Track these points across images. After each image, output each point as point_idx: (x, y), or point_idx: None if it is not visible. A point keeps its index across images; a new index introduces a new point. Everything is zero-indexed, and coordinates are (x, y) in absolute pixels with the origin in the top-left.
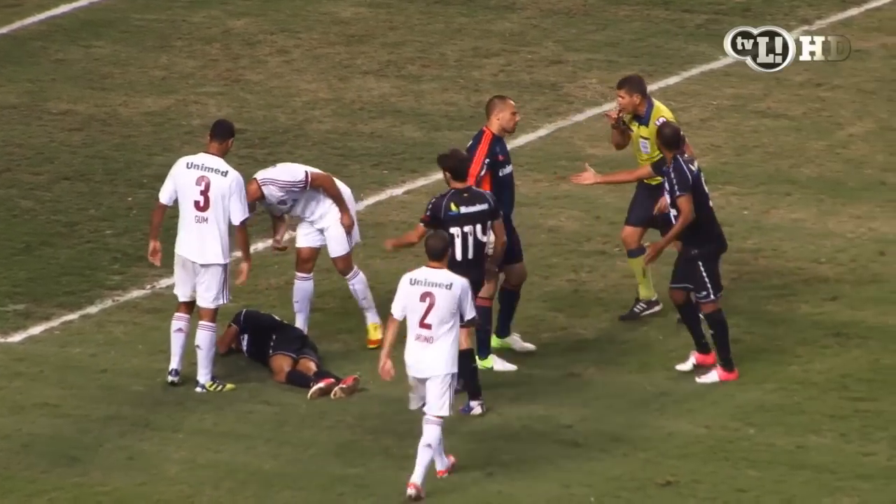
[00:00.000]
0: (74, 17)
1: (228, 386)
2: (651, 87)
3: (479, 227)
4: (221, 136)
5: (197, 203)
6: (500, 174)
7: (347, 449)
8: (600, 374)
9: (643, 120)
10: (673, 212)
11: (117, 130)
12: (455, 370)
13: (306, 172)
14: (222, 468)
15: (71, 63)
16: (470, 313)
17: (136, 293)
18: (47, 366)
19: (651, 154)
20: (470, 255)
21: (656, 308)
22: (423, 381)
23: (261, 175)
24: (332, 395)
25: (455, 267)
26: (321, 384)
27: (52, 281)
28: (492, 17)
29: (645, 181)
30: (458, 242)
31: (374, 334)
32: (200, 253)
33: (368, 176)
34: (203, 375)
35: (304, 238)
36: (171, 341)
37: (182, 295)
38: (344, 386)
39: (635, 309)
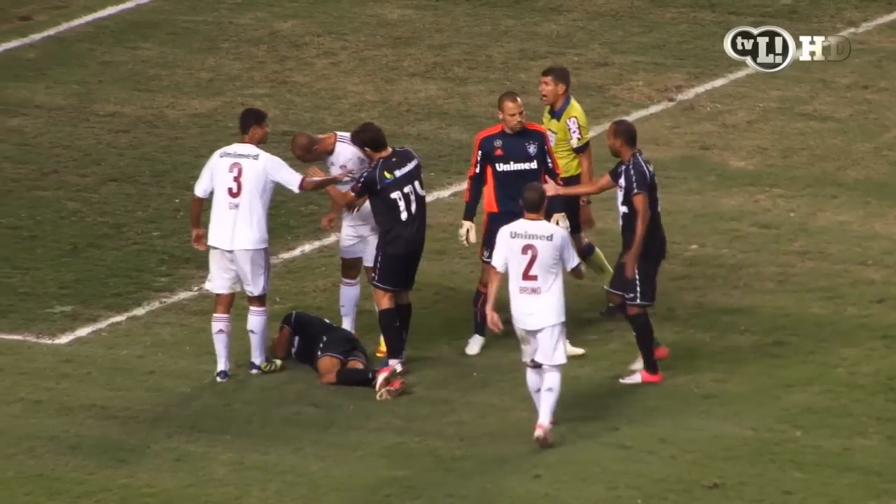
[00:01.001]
0: (121, 18)
1: (277, 363)
2: (698, 90)
3: (416, 183)
4: (245, 126)
5: (230, 190)
6: (498, 169)
7: (394, 451)
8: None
9: (556, 113)
10: (624, 209)
11: (164, 132)
12: (564, 318)
13: None
14: (269, 470)
15: (118, 65)
16: (573, 261)
17: (182, 295)
18: (94, 367)
19: (556, 148)
20: (413, 211)
21: None
22: (532, 333)
23: (341, 133)
24: (378, 396)
25: (404, 226)
26: (391, 388)
27: (100, 283)
28: (538, 20)
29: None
30: (401, 205)
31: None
32: (231, 239)
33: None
34: (257, 357)
35: (349, 249)
36: (215, 343)
37: (219, 287)
38: (391, 388)
39: (612, 304)
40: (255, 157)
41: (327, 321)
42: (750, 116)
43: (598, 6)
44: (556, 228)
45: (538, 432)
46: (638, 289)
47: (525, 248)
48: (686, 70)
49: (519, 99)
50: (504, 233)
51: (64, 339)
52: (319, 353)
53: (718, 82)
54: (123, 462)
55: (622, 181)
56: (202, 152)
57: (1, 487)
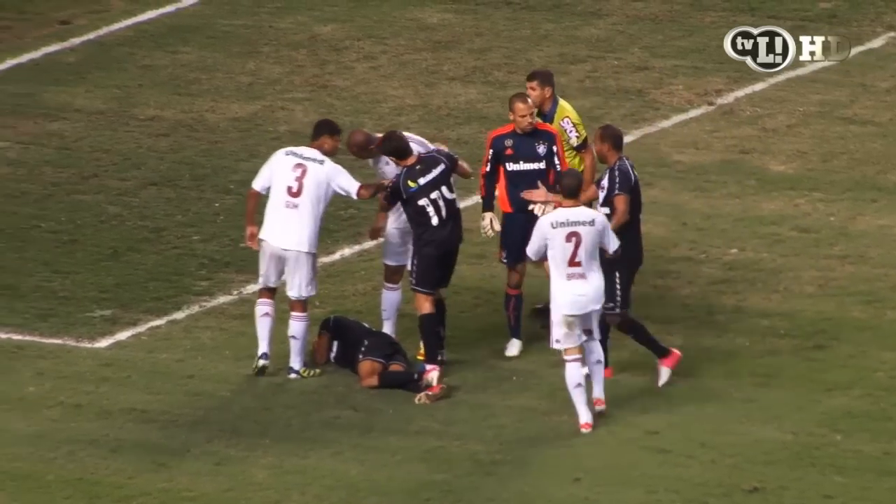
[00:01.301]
0: (161, 22)
1: (317, 371)
2: (737, 94)
3: (443, 188)
4: (317, 133)
5: (290, 189)
6: (508, 168)
7: (434, 455)
8: (686, 380)
9: (546, 117)
10: (605, 209)
11: (204, 136)
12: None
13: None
14: (309, 474)
15: (157, 69)
16: (614, 244)
17: (222, 299)
18: (134, 371)
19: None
20: (444, 216)
21: None
22: (582, 316)
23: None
24: (417, 400)
25: (436, 230)
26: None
27: (140, 287)
28: (578, 24)
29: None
30: (430, 211)
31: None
32: (284, 237)
33: (455, 182)
34: (297, 362)
35: (393, 256)
36: (258, 326)
37: (264, 282)
38: (430, 393)
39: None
40: (321, 162)
41: (366, 325)
42: (790, 120)
43: (637, 10)
44: (596, 213)
45: (600, 407)
46: (618, 296)
47: (569, 236)
48: (726, 74)
49: (530, 100)
50: (544, 224)
51: (104, 343)
52: (361, 356)
53: (758, 86)
54: (163, 466)
55: (604, 182)
56: (242, 156)
57: (41, 491)
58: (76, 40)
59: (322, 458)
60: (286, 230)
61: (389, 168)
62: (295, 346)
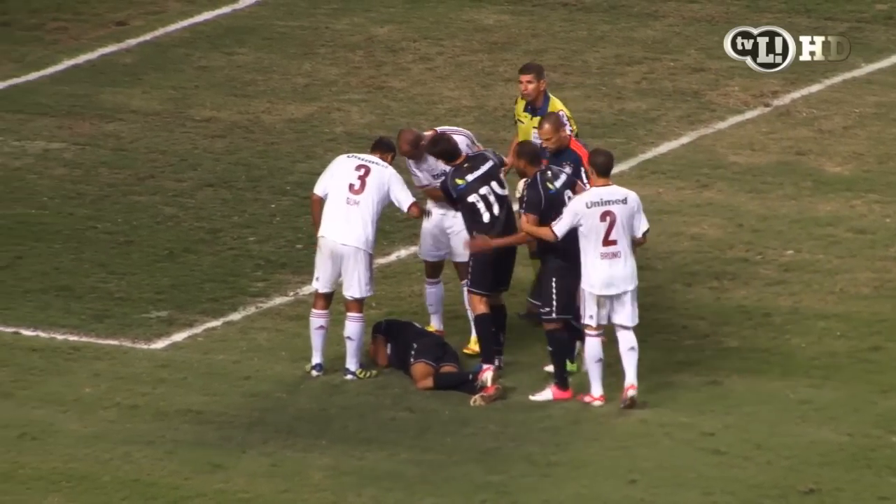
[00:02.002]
0: (217, 24)
1: (374, 372)
2: (794, 95)
3: (493, 183)
4: (375, 148)
5: (352, 186)
6: None
7: (490, 456)
8: (742, 381)
9: (540, 111)
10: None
11: (260, 137)
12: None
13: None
14: (365, 475)
15: (214, 70)
16: (643, 227)
17: (278, 300)
18: (191, 372)
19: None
20: (496, 212)
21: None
22: (613, 297)
23: (441, 128)
24: (472, 402)
25: (487, 228)
26: (486, 393)
27: (196, 288)
28: (634, 25)
29: None
30: (480, 207)
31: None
32: (344, 234)
33: (510, 183)
34: (352, 364)
35: (429, 253)
36: (313, 337)
37: (322, 286)
38: (485, 394)
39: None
40: (385, 166)
41: (418, 326)
42: (846, 122)
43: (693, 11)
44: (629, 192)
45: (631, 392)
46: (554, 303)
47: (604, 215)
48: (782, 75)
49: (547, 125)
50: (579, 204)
51: (160, 345)
52: (412, 360)
53: (814, 88)
54: (219, 467)
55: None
56: (298, 157)
57: (97, 492)
58: (132, 41)
59: (378, 460)
60: (347, 227)
61: (423, 175)
62: (351, 347)
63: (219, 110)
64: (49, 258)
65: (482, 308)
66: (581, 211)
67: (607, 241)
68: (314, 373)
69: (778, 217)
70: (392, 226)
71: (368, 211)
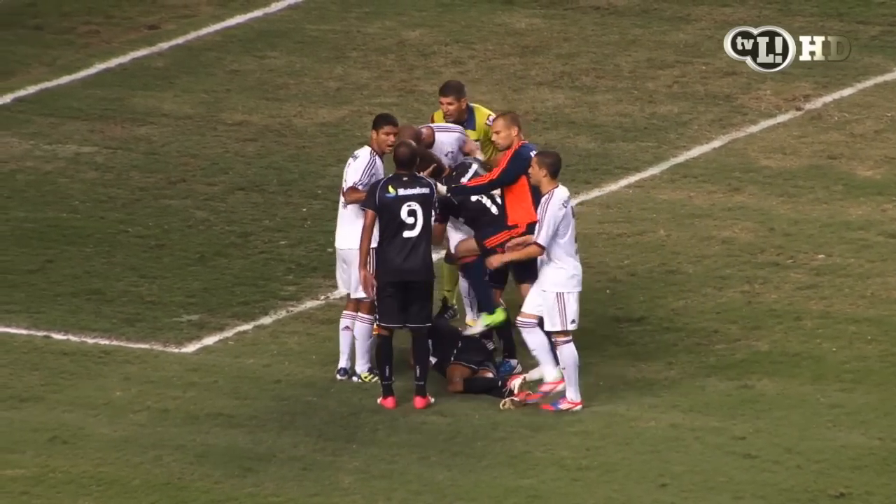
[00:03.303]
0: (249, 27)
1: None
2: (825, 99)
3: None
4: (372, 126)
5: (341, 189)
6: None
7: (520, 460)
8: (773, 385)
9: (468, 123)
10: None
11: (292, 141)
12: None
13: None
14: (396, 479)
15: (246, 74)
16: None
17: (309, 304)
18: (221, 376)
19: (484, 151)
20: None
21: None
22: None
23: (434, 125)
24: (501, 405)
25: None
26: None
27: (227, 291)
28: (666, 29)
29: None
30: (487, 202)
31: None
32: (337, 237)
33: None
34: (359, 365)
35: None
36: (340, 339)
37: (341, 287)
38: (516, 399)
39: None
40: (355, 157)
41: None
42: (878, 126)
43: (726, 15)
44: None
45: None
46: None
47: (573, 212)
48: (814, 79)
49: (501, 121)
50: (555, 206)
51: (191, 348)
52: (452, 358)
53: (846, 91)
54: (250, 471)
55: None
56: (329, 161)
57: (127, 496)
58: (164, 45)
59: (409, 463)
60: (338, 229)
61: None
62: (357, 349)
63: (250, 114)
64: (80, 262)
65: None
66: (560, 212)
67: (576, 238)
68: (337, 377)
69: (809, 221)
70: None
71: (349, 210)
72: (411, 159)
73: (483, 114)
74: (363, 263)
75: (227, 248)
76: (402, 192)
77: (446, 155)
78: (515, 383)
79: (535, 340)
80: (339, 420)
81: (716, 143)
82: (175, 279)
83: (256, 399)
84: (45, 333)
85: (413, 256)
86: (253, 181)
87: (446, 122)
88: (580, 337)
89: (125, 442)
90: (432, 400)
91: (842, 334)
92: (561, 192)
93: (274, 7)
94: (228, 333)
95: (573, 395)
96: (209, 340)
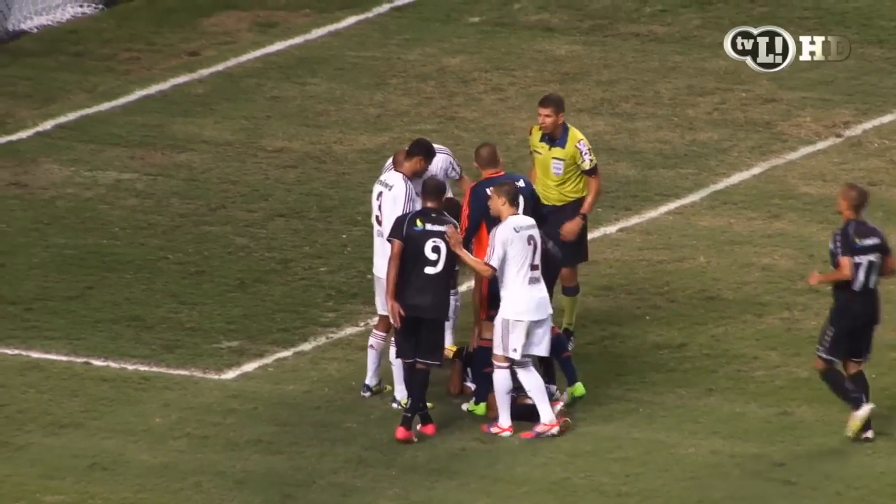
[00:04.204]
0: (289, 54)
1: (388, 387)
2: (865, 126)
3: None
4: (406, 154)
5: (377, 217)
6: None
7: (560, 486)
8: (813, 412)
9: (560, 141)
10: None
11: (332, 168)
12: None
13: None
14: None
15: (286, 100)
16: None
17: (349, 330)
18: (261, 403)
19: (564, 175)
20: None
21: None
22: (539, 322)
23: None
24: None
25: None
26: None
27: (266, 318)
28: (706, 56)
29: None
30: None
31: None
32: (375, 265)
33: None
34: (368, 378)
35: None
36: (368, 357)
37: (380, 311)
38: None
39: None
40: (390, 187)
41: None
42: None
43: None
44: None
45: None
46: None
47: (529, 239)
48: (854, 106)
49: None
50: (506, 230)
51: (230, 375)
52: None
53: (886, 118)
54: (289, 497)
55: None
56: (369, 188)
57: None
58: (205, 71)
59: (448, 490)
60: (375, 257)
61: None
62: (395, 375)
63: (290, 140)
64: (120, 288)
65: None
66: (511, 236)
67: (533, 266)
68: (361, 393)
69: None
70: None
71: (384, 238)
72: (440, 190)
73: (576, 136)
74: (391, 294)
75: (266, 275)
76: (429, 227)
77: (432, 176)
78: (555, 409)
79: (498, 383)
80: (378, 446)
81: (756, 170)
82: (215, 306)
83: (296, 425)
84: (84, 360)
85: (427, 293)
86: (293, 208)
87: (542, 133)
88: (617, 363)
89: (165, 468)
90: (415, 439)
91: (881, 361)
92: (517, 219)
93: (314, 34)
94: (268, 360)
95: (504, 420)
96: (249, 367)
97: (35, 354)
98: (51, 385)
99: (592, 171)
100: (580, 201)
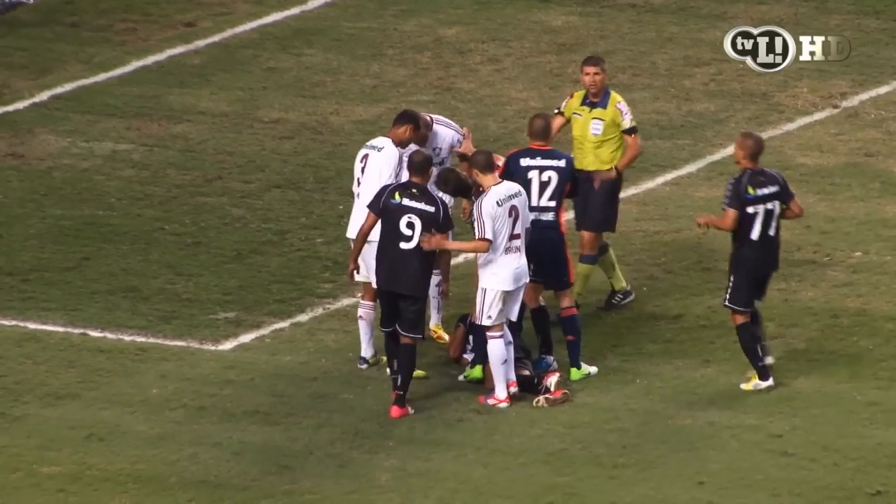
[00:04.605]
0: (286, 25)
1: (383, 359)
2: (862, 97)
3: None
4: (394, 122)
5: (358, 179)
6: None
7: (557, 458)
8: (810, 383)
9: (601, 103)
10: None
11: (328, 139)
12: None
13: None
14: (432, 476)
15: (282, 71)
16: (527, 222)
17: (346, 301)
18: (258, 374)
19: (602, 136)
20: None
21: (631, 297)
22: (516, 291)
23: (434, 116)
24: (534, 402)
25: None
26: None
27: (263, 289)
28: (703, 27)
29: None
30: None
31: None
32: (350, 227)
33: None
34: (363, 350)
35: None
36: (360, 329)
37: (360, 275)
38: (550, 397)
39: (613, 301)
40: (380, 149)
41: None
42: None
43: (762, 13)
44: (519, 186)
45: (514, 389)
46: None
47: (511, 210)
48: (850, 77)
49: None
50: (490, 204)
51: (227, 346)
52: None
53: (883, 89)
54: (286, 468)
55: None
56: None
57: (164, 494)
58: (201, 42)
59: (445, 461)
60: (351, 220)
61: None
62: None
63: (287, 111)
64: (117, 259)
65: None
66: (494, 211)
67: (513, 236)
68: (358, 365)
69: (846, 219)
70: (459, 227)
71: (364, 201)
72: (424, 165)
73: (616, 98)
74: (353, 256)
75: (263, 246)
76: (406, 202)
77: (434, 150)
78: (552, 381)
79: (493, 353)
80: (375, 417)
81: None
82: (211, 277)
83: (293, 396)
84: (81, 331)
85: (401, 268)
86: (289, 179)
87: (589, 93)
88: (614, 334)
89: (162, 439)
90: (411, 411)
91: (878, 332)
92: (499, 190)
93: (310, 4)
94: (265, 331)
95: (500, 391)
96: (246, 338)
97: (32, 325)
98: (47, 356)
99: (632, 131)
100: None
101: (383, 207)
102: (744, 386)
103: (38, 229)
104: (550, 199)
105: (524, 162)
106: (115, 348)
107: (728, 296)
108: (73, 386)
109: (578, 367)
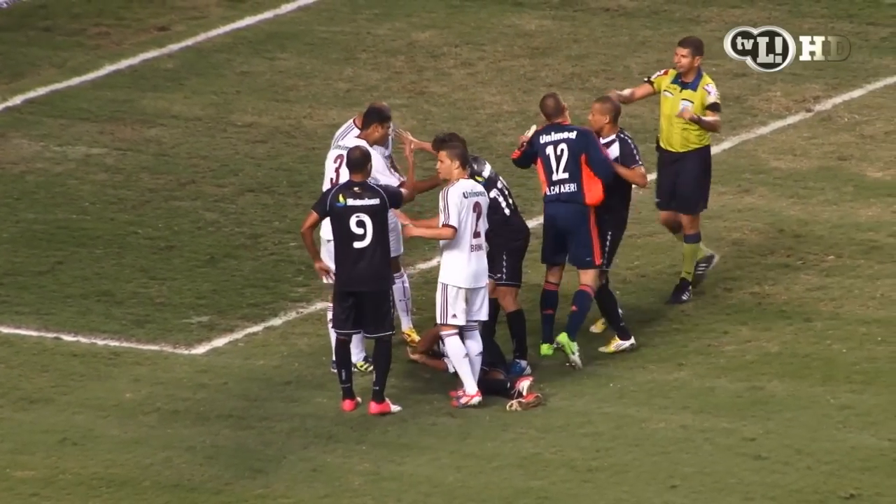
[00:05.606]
0: (259, 29)
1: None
2: (835, 100)
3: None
4: (362, 126)
5: (331, 180)
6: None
7: (530, 461)
8: (783, 387)
9: (690, 86)
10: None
11: (301, 143)
12: None
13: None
14: (405, 480)
15: (255, 75)
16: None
17: (319, 305)
18: (231, 378)
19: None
20: (513, 205)
21: (714, 259)
22: (474, 290)
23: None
24: (508, 406)
25: (514, 216)
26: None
27: (236, 293)
28: (676, 30)
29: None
30: (502, 202)
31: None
32: (322, 229)
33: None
34: (354, 355)
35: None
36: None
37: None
38: (523, 401)
39: (698, 270)
40: (345, 148)
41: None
42: (888, 127)
43: (735, 17)
44: (481, 187)
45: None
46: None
47: (475, 206)
48: (824, 81)
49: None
50: (456, 193)
51: (201, 350)
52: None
53: (856, 93)
54: (260, 472)
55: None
56: None
57: (137, 497)
58: (174, 46)
59: (418, 465)
60: (323, 222)
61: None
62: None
63: (260, 115)
64: (90, 263)
65: (514, 306)
66: (461, 201)
67: (476, 234)
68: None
69: (819, 222)
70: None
71: None
72: (363, 161)
73: (707, 80)
74: (313, 255)
75: (236, 250)
76: (350, 202)
77: (388, 156)
78: (524, 385)
79: (451, 350)
80: (349, 421)
81: (726, 145)
82: (185, 281)
83: (266, 400)
84: (55, 335)
85: (362, 266)
86: (263, 183)
87: (680, 73)
88: (588, 339)
89: (135, 443)
90: (395, 409)
91: (852, 335)
92: (466, 184)
93: (284, 8)
94: (238, 335)
95: (469, 387)
96: (219, 342)
97: (5, 329)
98: (21, 360)
99: (715, 107)
100: (701, 150)
101: (331, 211)
102: (604, 349)
103: (11, 233)
104: (565, 170)
105: (542, 139)
106: (88, 352)
107: (608, 261)
108: (46, 390)
109: (572, 339)
